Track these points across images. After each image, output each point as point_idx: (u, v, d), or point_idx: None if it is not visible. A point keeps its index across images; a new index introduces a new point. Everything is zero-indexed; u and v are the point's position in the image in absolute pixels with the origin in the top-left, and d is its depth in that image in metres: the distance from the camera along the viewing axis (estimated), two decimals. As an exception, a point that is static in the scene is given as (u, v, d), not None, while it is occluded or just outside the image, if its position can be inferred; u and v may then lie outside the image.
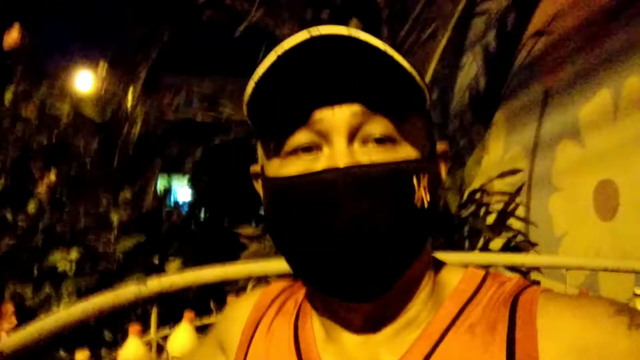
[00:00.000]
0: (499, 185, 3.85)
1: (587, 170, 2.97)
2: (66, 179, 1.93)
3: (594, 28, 2.92)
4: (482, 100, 4.43)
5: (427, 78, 3.83)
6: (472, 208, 4.41)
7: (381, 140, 0.52)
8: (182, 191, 7.08)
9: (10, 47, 2.26)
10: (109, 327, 1.53)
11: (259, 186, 0.63)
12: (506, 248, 3.17)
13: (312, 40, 0.48)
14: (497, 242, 3.50)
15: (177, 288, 1.57)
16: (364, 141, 0.52)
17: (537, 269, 2.48)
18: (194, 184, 6.16)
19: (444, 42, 3.51)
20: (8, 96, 2.24)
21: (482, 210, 3.51)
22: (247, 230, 4.01)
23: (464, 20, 4.07)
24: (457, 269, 0.65)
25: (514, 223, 3.16)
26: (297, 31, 0.48)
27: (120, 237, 1.73)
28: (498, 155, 4.17)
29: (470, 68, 4.73)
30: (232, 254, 3.99)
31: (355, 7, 3.55)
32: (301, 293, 0.70)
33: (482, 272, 0.63)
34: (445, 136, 4.76)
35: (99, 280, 1.60)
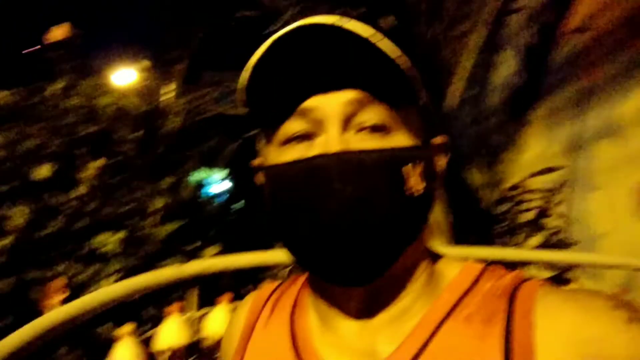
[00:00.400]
0: (536, 182, 3.80)
1: (628, 168, 2.90)
2: (112, 167, 2.03)
3: (636, 24, 2.86)
4: (519, 97, 4.36)
5: (463, 75, 3.80)
6: (508, 205, 4.36)
7: (374, 129, 0.52)
8: (219, 182, 7.22)
9: (56, 40, 2.38)
10: (153, 305, 1.61)
11: (259, 179, 0.64)
12: (544, 246, 3.13)
13: (304, 28, 0.49)
14: (534, 240, 3.46)
15: (214, 271, 1.63)
16: (358, 129, 0.53)
17: (575, 267, 2.45)
18: (231, 175, 6.27)
19: (479, 39, 3.48)
20: (58, 87, 2.36)
21: (520, 207, 3.47)
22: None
23: (499, 18, 4.02)
24: (456, 261, 0.65)
25: (552, 221, 3.11)
26: None
27: (160, 222, 1.81)
28: (535, 152, 4.10)
29: (506, 65, 4.66)
30: (267, 243, 4.07)
31: (392, 5, 3.56)
32: (295, 289, 0.71)
33: (480, 265, 0.62)
34: (480, 133, 4.71)
35: (142, 261, 1.68)
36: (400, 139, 0.54)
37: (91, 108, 2.21)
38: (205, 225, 4.92)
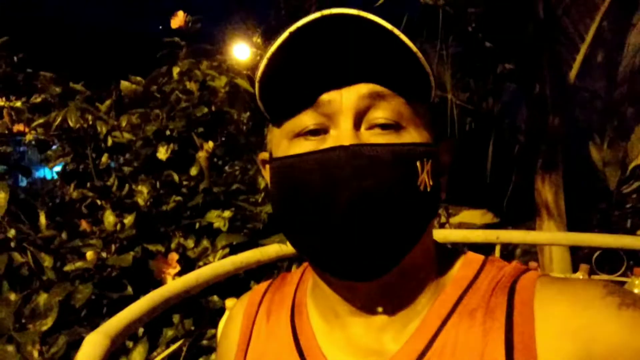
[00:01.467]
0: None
1: None
2: (222, 146, 2.15)
3: None
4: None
5: (589, 37, 3.46)
6: (636, 185, 3.97)
7: (386, 126, 0.53)
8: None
9: (177, 27, 2.53)
10: (256, 280, 1.72)
11: (266, 173, 0.64)
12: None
13: (324, 19, 0.49)
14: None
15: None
16: (370, 126, 0.53)
17: None
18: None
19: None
20: (176, 72, 2.53)
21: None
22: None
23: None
24: (457, 253, 0.64)
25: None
26: None
27: (266, 200, 1.90)
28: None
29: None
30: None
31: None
32: (290, 289, 0.70)
33: (481, 258, 0.62)
34: (607, 105, 4.31)
35: (248, 237, 1.79)
36: (412, 136, 0.54)
37: (206, 90, 2.36)
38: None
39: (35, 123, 1.85)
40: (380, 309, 0.58)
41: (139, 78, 2.23)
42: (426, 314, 0.57)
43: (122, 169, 2.06)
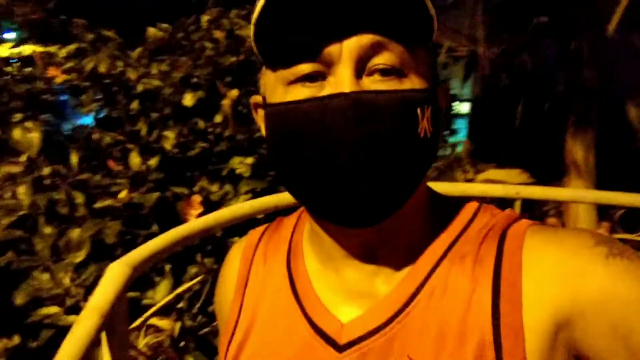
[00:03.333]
0: None
1: None
2: (247, 95, 2.19)
3: None
4: None
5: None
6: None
7: (387, 72, 0.52)
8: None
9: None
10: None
11: (259, 117, 0.62)
12: None
13: None
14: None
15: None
16: (370, 73, 0.52)
17: None
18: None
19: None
20: (204, 20, 2.55)
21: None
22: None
23: None
24: (453, 200, 0.64)
25: None
26: None
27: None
28: None
29: None
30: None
31: None
32: (286, 233, 0.71)
33: (475, 205, 0.62)
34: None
35: (269, 184, 1.84)
36: (413, 82, 0.53)
37: (234, 39, 2.38)
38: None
39: (65, 66, 1.92)
40: (374, 255, 0.59)
41: (165, 25, 2.27)
42: (418, 259, 0.58)
43: (150, 115, 2.13)
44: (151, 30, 2.22)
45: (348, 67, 0.50)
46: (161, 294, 1.59)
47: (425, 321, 0.54)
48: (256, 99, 0.62)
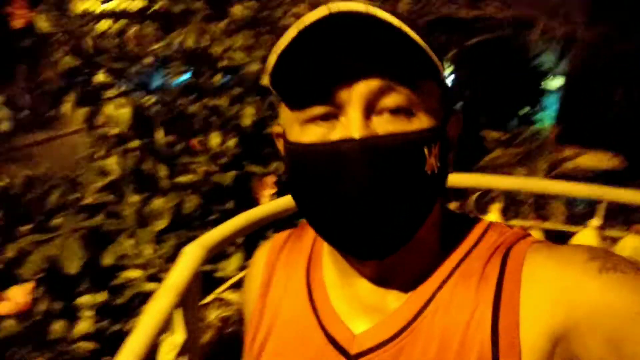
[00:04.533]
0: None
1: None
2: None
3: None
4: None
5: None
6: None
7: (396, 111, 0.54)
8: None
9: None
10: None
11: (280, 145, 0.65)
12: None
13: (331, 16, 0.49)
14: None
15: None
16: (379, 112, 0.54)
17: None
18: (455, 74, 6.08)
19: None
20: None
21: None
22: (494, 134, 3.91)
23: None
24: (464, 219, 0.66)
25: None
26: None
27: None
28: None
29: None
30: (475, 156, 4.00)
31: None
32: (308, 241, 0.73)
33: (486, 223, 0.64)
34: None
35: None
36: (421, 120, 0.55)
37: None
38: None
39: (158, 45, 2.01)
40: (386, 278, 0.62)
41: (251, 2, 2.30)
42: (428, 277, 0.61)
43: (232, 87, 2.20)
44: (237, 8, 2.26)
45: (358, 110, 0.53)
46: (233, 266, 1.68)
47: (430, 335, 0.58)
48: (277, 129, 0.65)
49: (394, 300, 0.62)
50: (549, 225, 2.05)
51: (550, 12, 3.56)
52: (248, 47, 2.23)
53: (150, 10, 2.32)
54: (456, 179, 1.84)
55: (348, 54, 0.52)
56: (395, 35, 0.50)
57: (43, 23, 1.48)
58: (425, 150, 0.54)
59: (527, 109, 5.80)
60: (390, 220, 0.54)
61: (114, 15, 2.25)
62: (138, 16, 2.35)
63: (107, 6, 2.22)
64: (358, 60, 0.52)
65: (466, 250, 0.62)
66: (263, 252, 0.79)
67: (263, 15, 2.26)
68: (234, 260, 1.70)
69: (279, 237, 0.79)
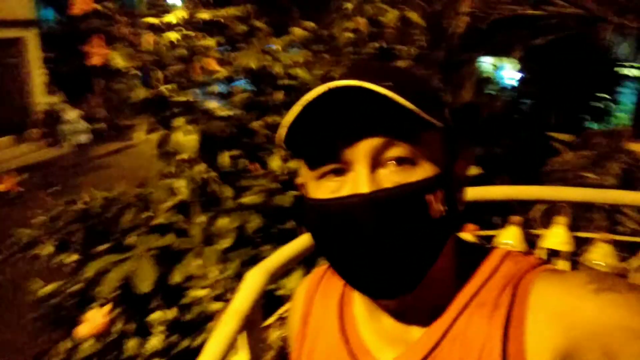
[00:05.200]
0: None
1: None
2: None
3: None
4: None
5: None
6: None
7: (400, 161, 0.59)
8: (509, 78, 6.81)
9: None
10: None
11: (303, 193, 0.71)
12: None
13: (330, 91, 0.55)
14: None
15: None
16: (384, 164, 0.59)
17: None
18: (524, 69, 5.85)
19: None
20: (348, 7, 2.58)
21: None
22: (563, 136, 3.74)
23: None
24: (481, 249, 0.69)
25: None
26: None
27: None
28: None
29: None
30: (542, 159, 3.84)
31: None
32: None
33: (503, 252, 0.67)
34: None
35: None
36: (425, 169, 0.59)
37: (376, 27, 2.39)
38: (487, 125, 4.87)
39: (223, 72, 2.10)
40: (406, 312, 0.67)
41: (311, 24, 2.35)
42: (445, 308, 0.65)
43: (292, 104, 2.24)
44: (297, 30, 2.32)
45: (363, 166, 0.58)
46: (293, 283, 1.72)
47: None
48: (300, 180, 0.72)
49: (416, 332, 0.67)
50: (618, 236, 1.96)
51: (620, 7, 3.38)
52: (308, 63, 2.28)
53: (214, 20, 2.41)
54: (514, 192, 1.79)
55: (349, 120, 0.58)
56: (386, 101, 0.54)
57: (118, 60, 1.59)
58: (430, 197, 0.59)
59: (600, 103, 5.52)
60: (399, 265, 0.59)
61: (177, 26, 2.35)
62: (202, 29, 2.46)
63: (168, 18, 2.33)
64: (358, 124, 0.58)
65: (482, 280, 0.66)
66: (304, 286, 0.86)
67: (321, 34, 2.30)
68: (294, 278, 1.74)
69: (317, 272, 0.87)
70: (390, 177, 0.59)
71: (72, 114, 12.45)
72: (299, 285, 0.89)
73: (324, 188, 0.62)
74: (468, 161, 0.68)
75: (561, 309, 0.57)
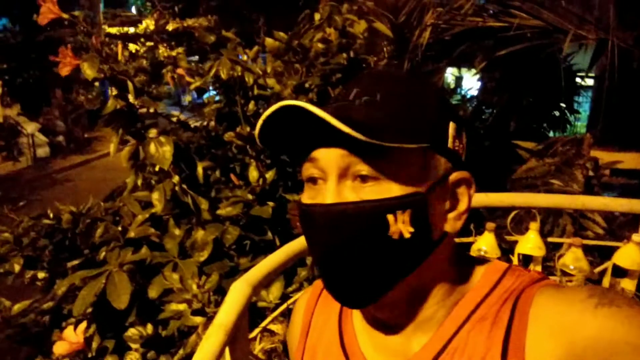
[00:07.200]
0: None
1: None
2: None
3: None
4: None
5: None
6: None
7: (366, 178, 0.59)
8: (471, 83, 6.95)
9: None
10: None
11: None
12: None
13: (284, 108, 0.57)
14: None
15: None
16: (352, 178, 0.60)
17: None
18: (484, 79, 5.99)
19: None
20: (317, 18, 2.60)
21: None
22: (526, 143, 3.84)
23: None
24: (482, 263, 0.69)
25: None
26: None
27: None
28: None
29: None
30: (507, 166, 3.95)
31: None
32: None
33: (504, 267, 0.67)
34: None
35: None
36: (390, 188, 0.59)
37: (345, 38, 2.41)
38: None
39: (196, 83, 2.07)
40: (401, 322, 0.67)
41: (282, 34, 2.35)
42: (444, 322, 0.65)
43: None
44: (269, 41, 2.31)
45: (333, 176, 0.61)
46: (274, 295, 1.70)
47: None
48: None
49: (415, 345, 0.67)
50: (589, 241, 2.02)
51: (581, 18, 3.51)
52: (280, 72, 2.28)
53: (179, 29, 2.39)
54: (490, 199, 1.83)
55: (317, 128, 0.57)
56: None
57: (88, 70, 1.55)
58: (389, 217, 0.58)
59: (559, 112, 5.70)
60: (354, 276, 0.61)
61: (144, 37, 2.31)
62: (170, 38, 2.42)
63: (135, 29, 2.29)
64: (329, 139, 0.59)
65: (483, 295, 0.66)
66: (304, 299, 0.86)
67: (292, 45, 2.30)
68: (274, 290, 1.72)
69: (317, 284, 0.86)
70: (355, 191, 0.60)
71: (30, 127, 12.05)
72: (299, 299, 0.88)
73: (307, 193, 0.65)
74: (468, 185, 0.66)
75: (562, 324, 0.57)
